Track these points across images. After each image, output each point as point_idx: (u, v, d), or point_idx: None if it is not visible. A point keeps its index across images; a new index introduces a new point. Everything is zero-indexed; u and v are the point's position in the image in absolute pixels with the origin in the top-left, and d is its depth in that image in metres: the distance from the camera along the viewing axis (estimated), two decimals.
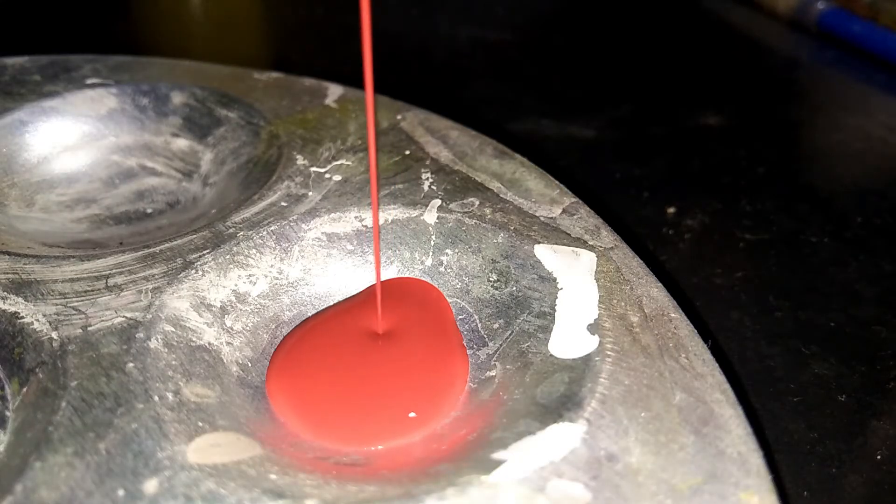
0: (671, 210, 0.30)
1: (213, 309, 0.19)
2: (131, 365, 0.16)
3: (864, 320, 0.25)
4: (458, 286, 0.20)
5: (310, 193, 0.21)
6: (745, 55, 0.43)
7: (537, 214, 0.21)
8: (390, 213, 0.21)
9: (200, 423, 0.16)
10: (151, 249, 0.20)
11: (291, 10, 0.48)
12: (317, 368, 0.18)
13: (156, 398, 0.16)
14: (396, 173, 0.22)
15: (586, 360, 0.17)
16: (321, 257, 0.21)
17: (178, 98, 0.26)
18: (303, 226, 0.21)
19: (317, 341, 0.19)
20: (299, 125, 0.24)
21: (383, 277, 0.21)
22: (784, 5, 0.45)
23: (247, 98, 0.26)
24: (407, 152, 0.23)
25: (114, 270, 0.19)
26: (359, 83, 0.26)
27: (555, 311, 0.18)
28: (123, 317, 0.18)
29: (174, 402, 0.16)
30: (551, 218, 0.20)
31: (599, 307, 0.18)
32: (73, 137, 0.26)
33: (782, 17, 0.45)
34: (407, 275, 0.21)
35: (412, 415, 0.17)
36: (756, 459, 0.15)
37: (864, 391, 0.22)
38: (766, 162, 0.33)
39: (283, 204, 0.21)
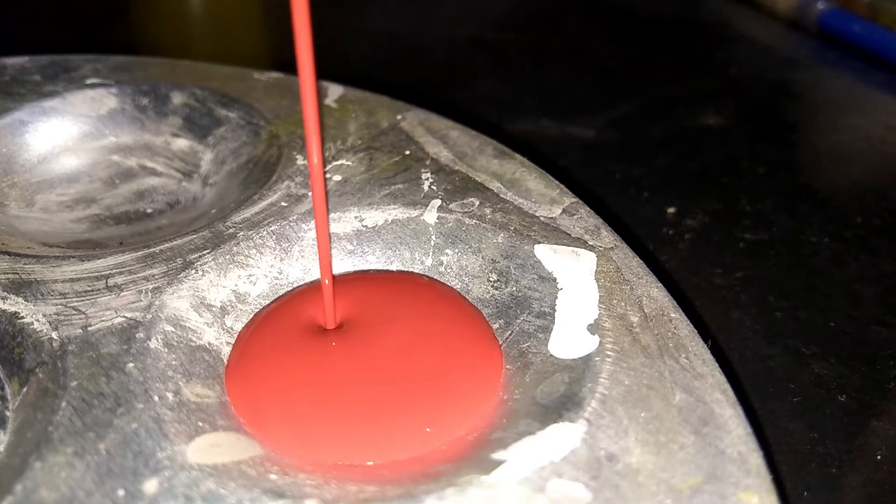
0: (671, 210, 0.30)
1: (214, 309, 0.19)
2: (131, 365, 0.16)
3: (864, 320, 0.25)
4: (458, 286, 0.20)
5: (310, 193, 0.21)
6: (745, 55, 0.43)
7: (537, 214, 0.21)
8: (390, 213, 0.21)
9: (200, 423, 0.16)
10: (151, 249, 0.20)
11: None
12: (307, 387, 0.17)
13: (156, 398, 0.16)
14: (396, 173, 0.22)
15: (586, 360, 0.17)
16: None
17: (178, 98, 0.26)
18: (303, 226, 0.21)
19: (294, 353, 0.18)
20: (299, 125, 0.24)
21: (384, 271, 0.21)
22: (784, 5, 0.45)
23: (247, 98, 0.26)
24: (407, 152, 0.23)
25: (114, 270, 0.19)
26: (360, 83, 0.27)
27: (555, 311, 0.18)
28: (123, 317, 0.18)
29: (174, 402, 0.16)
30: (551, 218, 0.20)
31: (599, 307, 0.18)
32: (73, 137, 0.26)
33: (782, 17, 0.45)
34: None
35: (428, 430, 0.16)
36: (756, 459, 0.15)
37: (864, 391, 0.22)
38: (766, 162, 0.33)
39: (283, 204, 0.21)
